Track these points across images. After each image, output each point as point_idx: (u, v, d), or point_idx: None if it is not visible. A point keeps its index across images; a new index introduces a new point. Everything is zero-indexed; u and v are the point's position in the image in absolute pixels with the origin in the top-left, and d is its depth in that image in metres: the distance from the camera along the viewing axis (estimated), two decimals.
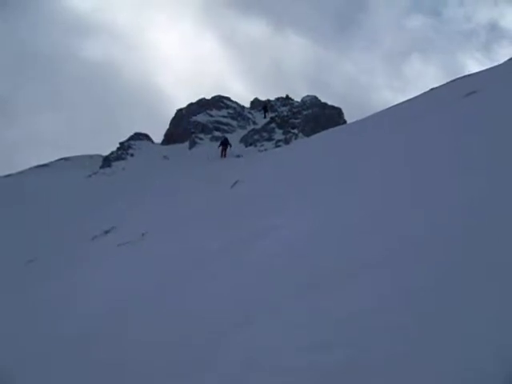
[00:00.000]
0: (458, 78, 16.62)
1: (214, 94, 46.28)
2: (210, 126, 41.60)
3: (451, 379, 2.33)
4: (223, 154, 31.53)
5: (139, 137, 42.96)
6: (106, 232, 16.43)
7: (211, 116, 42.89)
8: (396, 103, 18.99)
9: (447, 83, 16.71)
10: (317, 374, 2.88)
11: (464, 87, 12.26)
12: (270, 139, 37.03)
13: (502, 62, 15.66)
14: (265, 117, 41.76)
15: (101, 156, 42.12)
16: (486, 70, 15.44)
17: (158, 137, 44.81)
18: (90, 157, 44.42)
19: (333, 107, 43.46)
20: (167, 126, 44.89)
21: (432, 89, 17.19)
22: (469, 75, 16.05)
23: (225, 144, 31.79)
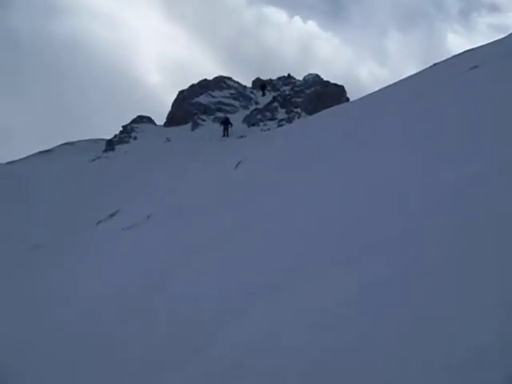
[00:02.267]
0: (462, 53, 16.45)
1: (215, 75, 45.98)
2: (213, 106, 41.41)
3: (449, 361, 2.33)
4: (225, 133, 31.46)
5: (142, 120, 42.81)
6: (111, 215, 16.50)
7: (213, 97, 42.65)
8: (400, 79, 18.79)
9: (449, 58, 16.55)
10: (316, 355, 2.90)
11: (466, 62, 12.11)
12: (272, 119, 36.85)
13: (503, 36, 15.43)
14: (264, 94, 41.53)
15: (104, 140, 41.99)
16: (488, 44, 15.23)
17: (160, 119, 44.68)
18: (94, 141, 44.31)
19: (335, 85, 42.99)
20: (169, 108, 44.77)
21: (435, 64, 17.03)
22: (470, 50, 15.87)
23: (226, 123, 31.72)
